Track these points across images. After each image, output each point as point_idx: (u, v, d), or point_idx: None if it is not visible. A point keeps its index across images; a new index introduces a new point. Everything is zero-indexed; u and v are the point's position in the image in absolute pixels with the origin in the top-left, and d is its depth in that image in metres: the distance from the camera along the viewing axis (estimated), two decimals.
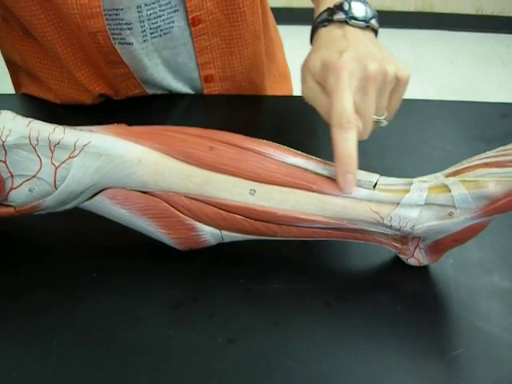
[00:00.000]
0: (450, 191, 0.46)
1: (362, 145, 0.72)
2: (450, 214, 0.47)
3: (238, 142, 0.49)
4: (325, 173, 0.49)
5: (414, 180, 0.49)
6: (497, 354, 0.47)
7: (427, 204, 0.47)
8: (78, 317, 0.50)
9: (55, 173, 0.49)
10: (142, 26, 0.72)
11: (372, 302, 0.51)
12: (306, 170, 0.49)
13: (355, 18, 0.56)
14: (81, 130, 0.50)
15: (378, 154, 0.70)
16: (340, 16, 0.57)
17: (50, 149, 0.48)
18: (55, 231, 0.58)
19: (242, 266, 0.54)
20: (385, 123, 0.54)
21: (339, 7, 0.57)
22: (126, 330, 0.48)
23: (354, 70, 0.50)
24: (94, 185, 0.49)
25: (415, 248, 0.52)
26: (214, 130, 0.51)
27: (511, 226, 0.59)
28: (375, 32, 0.59)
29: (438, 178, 0.48)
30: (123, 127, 0.51)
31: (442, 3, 3.00)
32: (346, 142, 0.47)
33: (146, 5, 0.70)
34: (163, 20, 0.73)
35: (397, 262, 0.54)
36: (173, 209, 0.49)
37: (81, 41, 0.72)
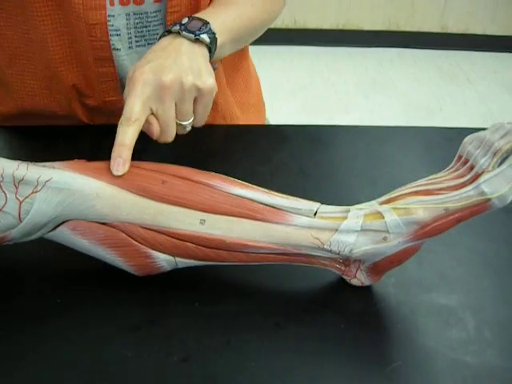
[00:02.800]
0: (383, 218, 0.50)
1: (313, 170, 0.76)
2: (385, 239, 0.51)
3: (188, 175, 0.53)
4: (270, 202, 0.53)
5: (351, 208, 0.53)
6: (433, 365, 0.51)
7: (363, 230, 0.51)
8: (42, 340, 0.52)
9: (20, 207, 0.52)
10: (128, 33, 0.77)
11: (317, 321, 0.54)
12: (251, 200, 0.53)
13: (188, 31, 0.64)
14: (44, 166, 0.53)
15: (329, 178, 0.74)
16: (176, 27, 0.64)
17: (15, 185, 0.51)
18: (21, 260, 0.60)
19: (196, 290, 0.57)
20: (189, 128, 0.63)
21: (180, 21, 0.65)
22: (87, 351, 0.51)
23: (149, 80, 0.58)
24: (56, 217, 0.52)
25: (357, 269, 0.56)
26: (167, 164, 0.55)
27: (448, 246, 0.63)
28: (208, 48, 0.65)
29: (373, 205, 0.52)
30: (82, 163, 0.54)
31: (408, 22, 3.05)
32: (123, 134, 0.55)
33: (134, 13, 0.76)
34: (148, 30, 0.78)
35: (341, 283, 0.58)
36: (129, 238, 0.52)
37: (74, 34, 0.75)
